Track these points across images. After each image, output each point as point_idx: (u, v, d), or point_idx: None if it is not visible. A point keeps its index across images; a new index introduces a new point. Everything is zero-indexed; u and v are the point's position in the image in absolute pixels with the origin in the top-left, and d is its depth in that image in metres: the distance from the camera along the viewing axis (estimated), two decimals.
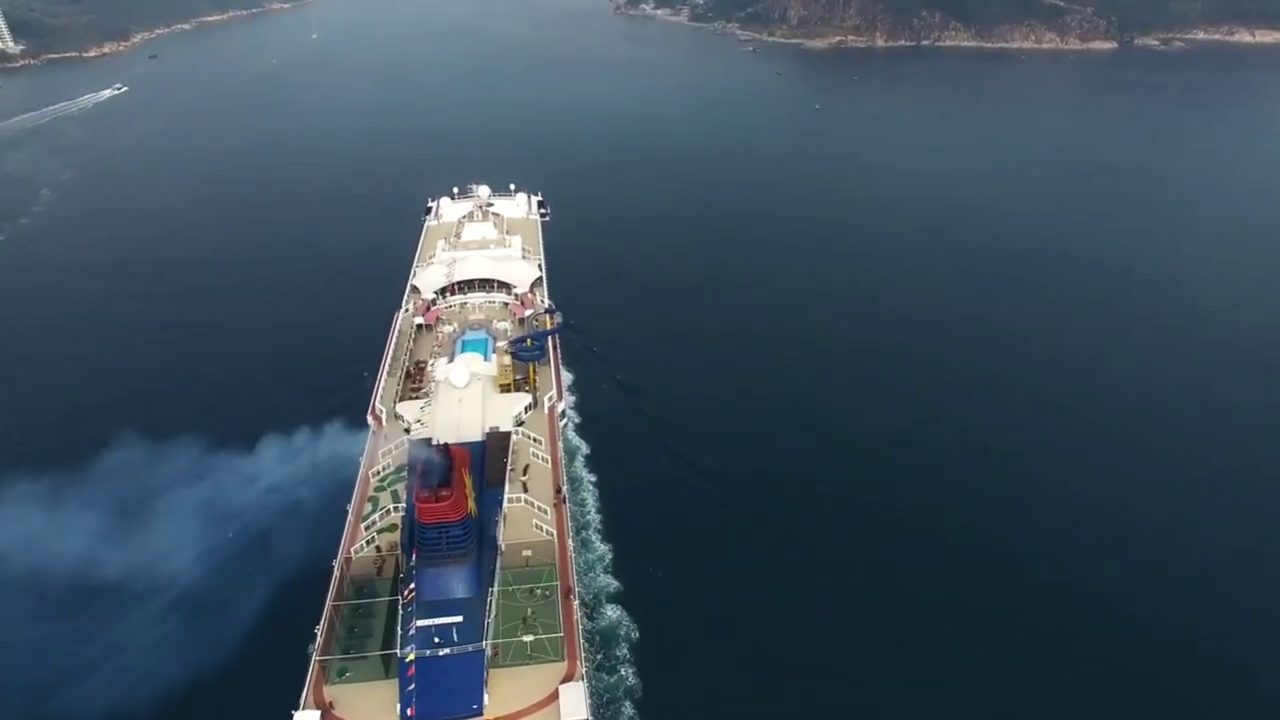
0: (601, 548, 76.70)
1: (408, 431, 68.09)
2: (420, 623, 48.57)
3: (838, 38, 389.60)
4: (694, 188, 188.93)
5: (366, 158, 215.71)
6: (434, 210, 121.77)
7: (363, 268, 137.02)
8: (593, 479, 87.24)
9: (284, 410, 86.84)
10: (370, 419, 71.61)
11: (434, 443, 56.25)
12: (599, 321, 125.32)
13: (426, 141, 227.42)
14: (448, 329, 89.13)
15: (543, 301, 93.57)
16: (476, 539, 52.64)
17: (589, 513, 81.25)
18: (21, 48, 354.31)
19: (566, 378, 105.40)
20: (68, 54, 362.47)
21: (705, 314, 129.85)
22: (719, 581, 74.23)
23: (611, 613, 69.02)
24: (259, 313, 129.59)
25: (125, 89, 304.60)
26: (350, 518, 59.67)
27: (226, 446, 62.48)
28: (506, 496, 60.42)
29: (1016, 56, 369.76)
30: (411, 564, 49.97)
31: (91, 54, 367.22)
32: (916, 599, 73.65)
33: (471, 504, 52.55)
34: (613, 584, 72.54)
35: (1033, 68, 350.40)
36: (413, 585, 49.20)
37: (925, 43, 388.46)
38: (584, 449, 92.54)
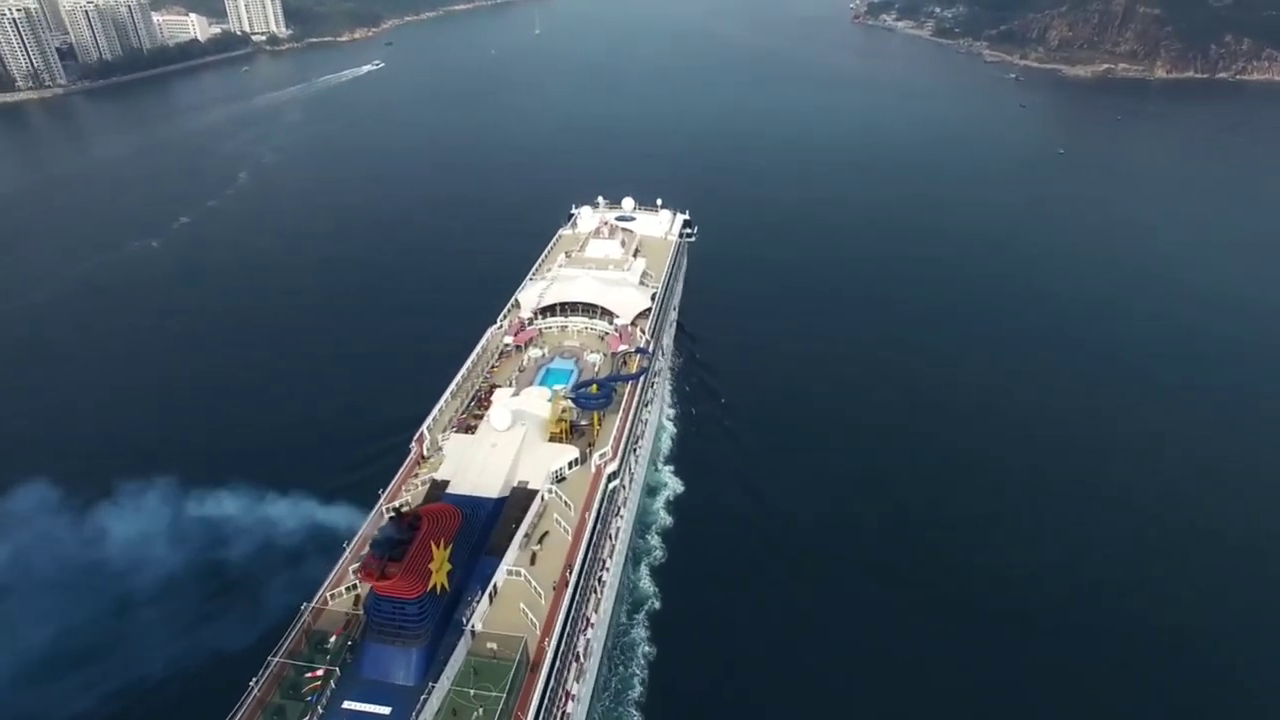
0: None
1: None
2: (346, 705, 43.88)
3: (1105, 65, 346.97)
4: (887, 229, 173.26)
5: (548, 154, 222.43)
6: (574, 219, 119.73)
7: (501, 272, 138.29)
8: (650, 650, 73.70)
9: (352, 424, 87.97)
10: (414, 443, 68.73)
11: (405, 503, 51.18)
12: (734, 368, 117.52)
13: (607, 143, 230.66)
14: (535, 353, 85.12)
15: (642, 334, 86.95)
16: (439, 619, 47.07)
17: (632, 688, 70.25)
18: (290, 33, 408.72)
19: (682, 477, 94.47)
20: (325, 38, 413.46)
21: (855, 380, 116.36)
22: None
23: None
24: (375, 317, 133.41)
25: (382, 65, 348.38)
26: (345, 555, 56.45)
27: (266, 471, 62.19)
28: (507, 569, 54.27)
29: None
30: (349, 639, 45.44)
31: (344, 39, 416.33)
32: None
33: (440, 577, 46.94)
34: None
35: None
36: (321, 670, 44.62)
37: (1222, 75, 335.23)
38: (655, 598, 79.10)
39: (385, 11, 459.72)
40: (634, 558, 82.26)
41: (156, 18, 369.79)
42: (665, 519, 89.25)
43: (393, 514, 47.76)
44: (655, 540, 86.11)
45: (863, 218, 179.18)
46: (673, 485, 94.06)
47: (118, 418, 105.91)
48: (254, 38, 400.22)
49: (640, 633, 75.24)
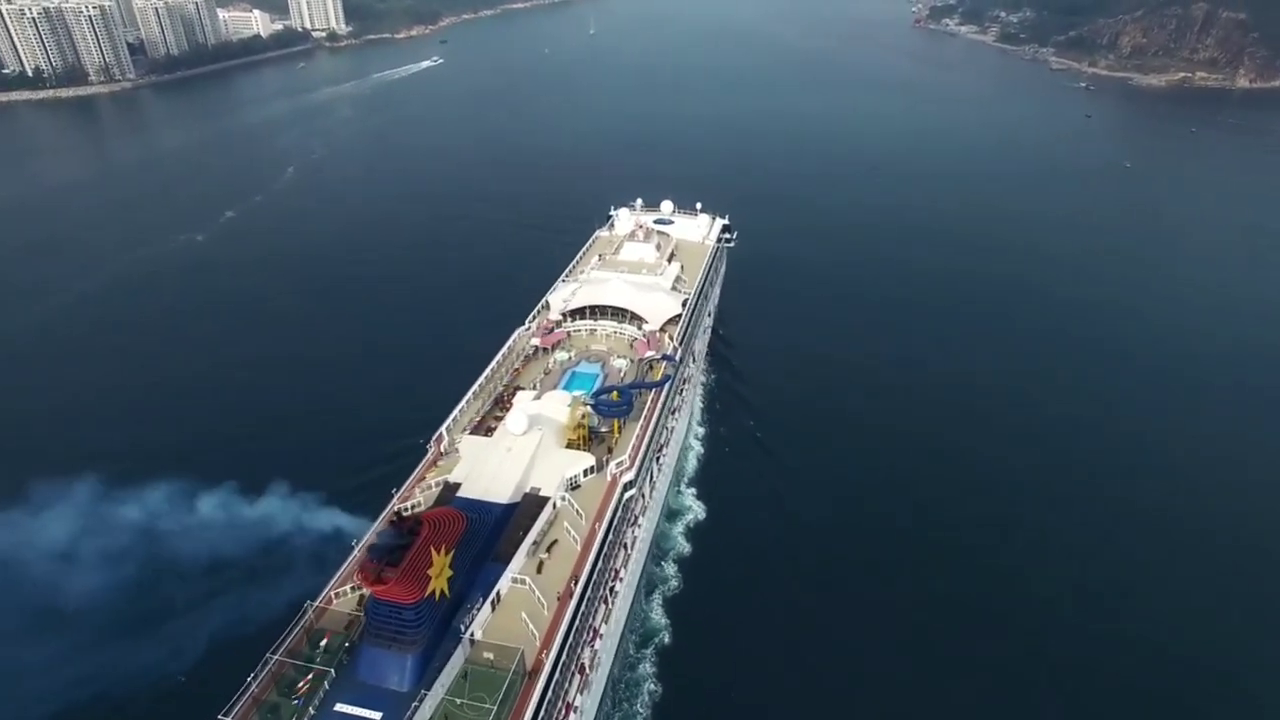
0: None
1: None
2: (338, 707, 43.77)
3: (1181, 74, 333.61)
4: (937, 239, 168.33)
5: (592, 154, 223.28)
6: (611, 221, 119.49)
7: (536, 273, 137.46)
8: (656, 689, 69.42)
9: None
10: (431, 444, 68.76)
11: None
12: (770, 382, 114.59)
13: (653, 145, 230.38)
14: (562, 356, 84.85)
15: (670, 341, 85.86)
16: (436, 625, 46.65)
17: None
18: (349, 29, 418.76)
19: (706, 502, 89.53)
20: (383, 35, 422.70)
21: (903, 398, 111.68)
22: None
23: None
24: (405, 315, 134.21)
25: (440, 61, 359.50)
26: (354, 554, 56.44)
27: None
28: (513, 576, 53.66)
29: None
30: (347, 641, 45.34)
31: (401, 36, 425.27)
32: None
33: (440, 583, 46.52)
34: None
35: None
36: (310, 675, 44.58)
37: None
38: (666, 631, 74.72)
39: (443, 9, 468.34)
40: (647, 585, 79.18)
41: (222, 14, 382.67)
42: (684, 546, 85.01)
43: (393, 518, 47.42)
44: (671, 568, 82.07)
45: (912, 227, 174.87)
46: (695, 510, 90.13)
47: (140, 416, 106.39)
48: (314, 34, 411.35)
49: (647, 668, 71.61)
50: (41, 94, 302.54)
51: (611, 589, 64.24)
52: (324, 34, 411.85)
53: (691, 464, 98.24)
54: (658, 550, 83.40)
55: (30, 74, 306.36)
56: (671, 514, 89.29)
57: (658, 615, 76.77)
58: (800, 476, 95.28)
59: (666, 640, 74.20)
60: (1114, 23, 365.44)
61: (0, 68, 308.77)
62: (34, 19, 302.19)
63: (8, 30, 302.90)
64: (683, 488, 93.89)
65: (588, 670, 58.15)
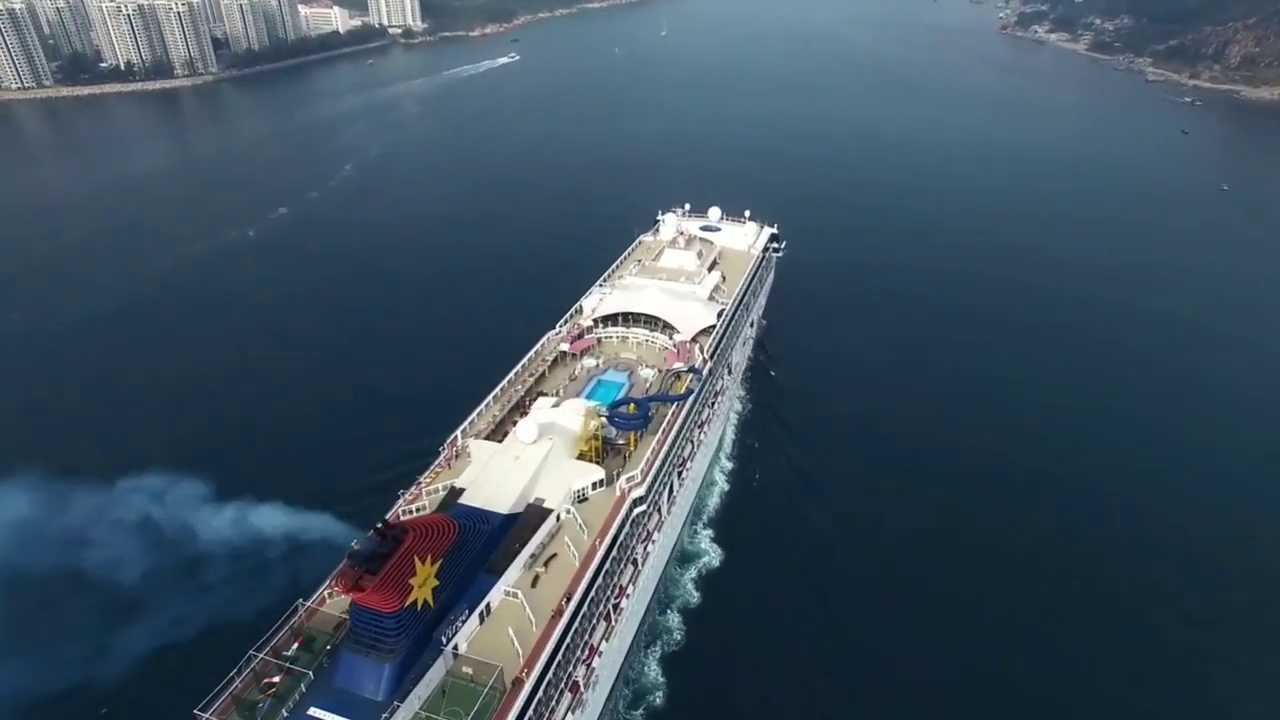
0: None
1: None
2: (312, 711, 43.72)
3: None
4: (1007, 259, 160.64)
5: (651, 158, 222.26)
6: (657, 226, 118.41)
7: (577, 276, 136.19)
8: None
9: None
10: (445, 446, 68.72)
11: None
12: (816, 408, 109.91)
13: (712, 150, 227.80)
14: (590, 363, 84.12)
15: (700, 353, 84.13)
16: (417, 635, 46.14)
17: None
18: (424, 26, 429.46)
19: (724, 547, 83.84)
20: (457, 33, 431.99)
21: (972, 433, 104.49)
22: None
23: None
24: (442, 315, 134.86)
25: (516, 58, 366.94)
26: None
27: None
28: (505, 589, 52.99)
29: None
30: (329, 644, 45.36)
31: (475, 34, 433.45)
32: None
33: (423, 593, 46.04)
34: None
35: None
36: (278, 678, 44.56)
37: None
38: (659, 692, 69.33)
39: (519, 8, 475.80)
40: (648, 635, 74.36)
41: (303, 10, 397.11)
42: (692, 595, 78.93)
43: (379, 525, 47.12)
44: (675, 619, 75.90)
45: (982, 243, 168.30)
46: (710, 556, 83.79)
47: (160, 415, 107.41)
48: (390, 30, 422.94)
49: None
50: (131, 86, 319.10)
51: (615, 605, 62.97)
52: (400, 30, 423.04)
53: (714, 501, 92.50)
54: (663, 596, 78.33)
55: (122, 67, 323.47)
56: (683, 558, 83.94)
57: (654, 672, 71.30)
58: (843, 524, 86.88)
59: (659, 702, 68.71)
60: (1222, 30, 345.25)
61: (99, 61, 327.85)
62: (129, 15, 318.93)
63: (106, 26, 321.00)
64: (699, 528, 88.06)
65: (582, 689, 56.99)
